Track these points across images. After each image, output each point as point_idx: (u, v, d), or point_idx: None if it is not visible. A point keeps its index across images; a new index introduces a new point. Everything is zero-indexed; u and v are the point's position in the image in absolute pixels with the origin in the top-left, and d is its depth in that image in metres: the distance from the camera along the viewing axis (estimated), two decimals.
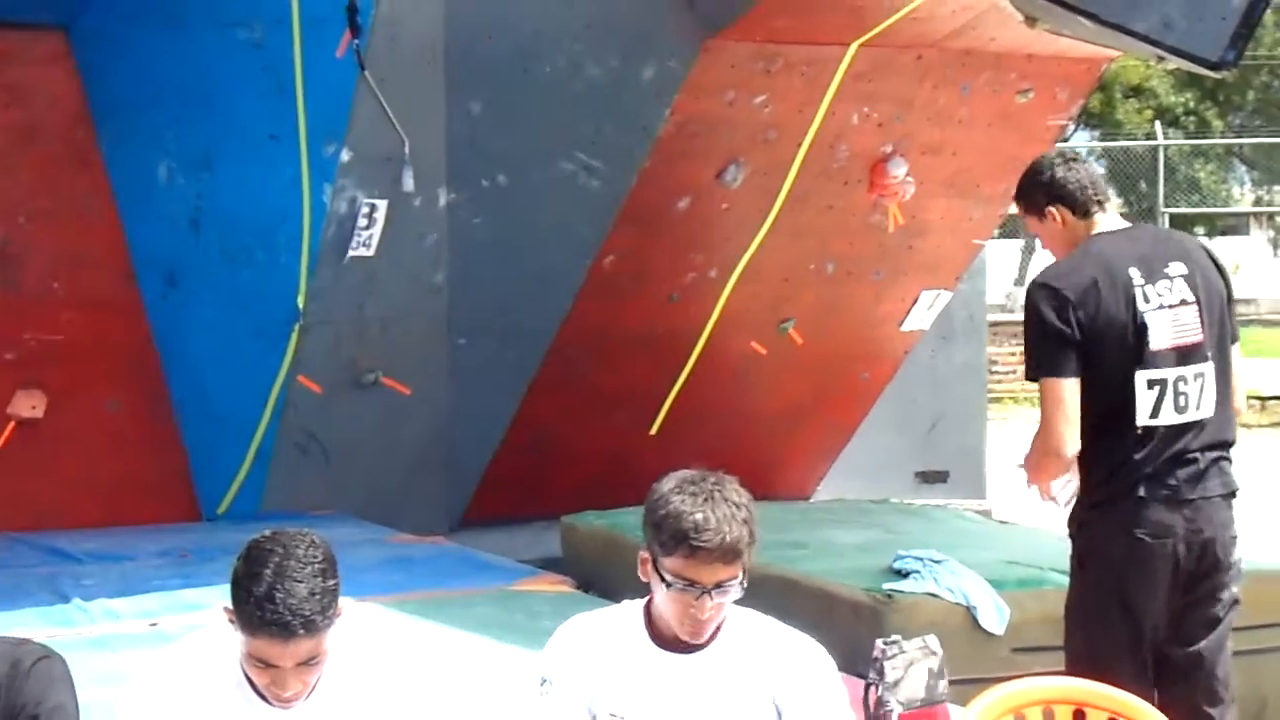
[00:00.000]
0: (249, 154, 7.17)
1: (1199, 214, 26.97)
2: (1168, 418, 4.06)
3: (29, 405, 7.31)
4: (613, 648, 3.01)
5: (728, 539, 2.86)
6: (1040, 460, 4.15)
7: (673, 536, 2.87)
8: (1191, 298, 4.15)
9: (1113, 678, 3.65)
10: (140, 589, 5.93)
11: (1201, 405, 4.12)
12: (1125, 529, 4.06)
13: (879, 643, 4.38)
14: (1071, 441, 4.07)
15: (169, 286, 7.52)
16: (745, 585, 2.95)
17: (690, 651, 2.99)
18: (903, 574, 5.64)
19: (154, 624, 5.51)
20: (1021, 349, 4.35)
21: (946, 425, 9.96)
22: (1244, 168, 30.93)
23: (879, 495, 8.69)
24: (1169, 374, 4.07)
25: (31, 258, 7.31)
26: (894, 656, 4.34)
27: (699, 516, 2.86)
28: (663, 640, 3.01)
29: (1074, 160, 4.30)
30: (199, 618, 5.25)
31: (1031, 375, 4.17)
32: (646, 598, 3.05)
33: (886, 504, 8.23)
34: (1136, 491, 4.05)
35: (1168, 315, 4.11)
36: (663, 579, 2.91)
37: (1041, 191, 4.27)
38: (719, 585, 2.89)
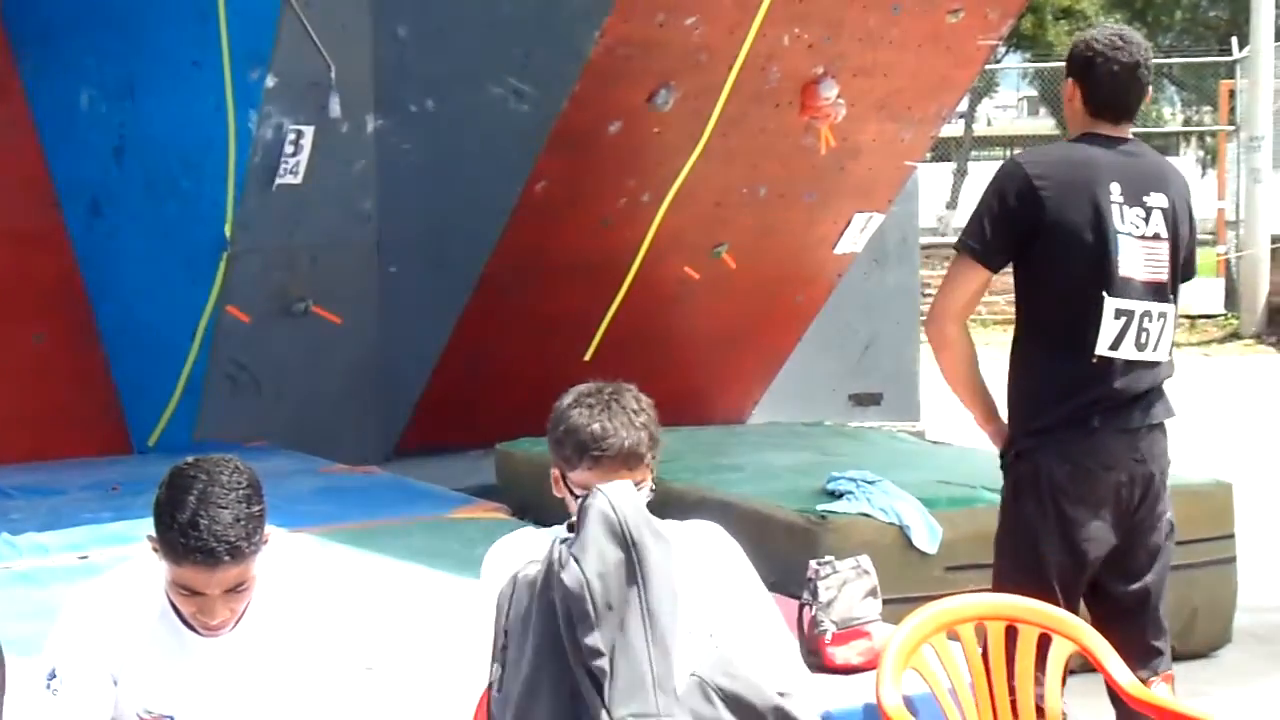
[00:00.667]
0: (172, 81, 7.06)
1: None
2: (1127, 352, 3.88)
3: None
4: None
5: (626, 444, 2.92)
6: (927, 330, 4.06)
7: (574, 449, 2.95)
8: (1166, 234, 3.97)
9: None
10: (69, 522, 5.87)
11: (1159, 347, 3.94)
12: (1071, 458, 3.88)
13: (812, 563, 4.42)
14: (945, 320, 3.97)
15: (94, 216, 7.41)
16: (654, 489, 3.00)
17: None
18: (836, 495, 5.67)
19: (84, 557, 5.46)
20: None
21: (880, 348, 10.00)
22: (1173, 88, 31.08)
23: (813, 418, 8.73)
24: (1137, 306, 3.88)
25: None
26: (827, 576, 4.38)
27: (595, 427, 2.93)
28: None
29: (1130, 64, 3.98)
30: (129, 550, 5.20)
31: (958, 243, 4.01)
32: (569, 520, 3.04)
33: (821, 426, 8.28)
34: (1090, 421, 3.87)
35: (1139, 245, 3.92)
36: (572, 493, 2.97)
37: (1077, 61, 4.01)
38: None
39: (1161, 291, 3.96)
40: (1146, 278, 3.93)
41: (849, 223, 8.76)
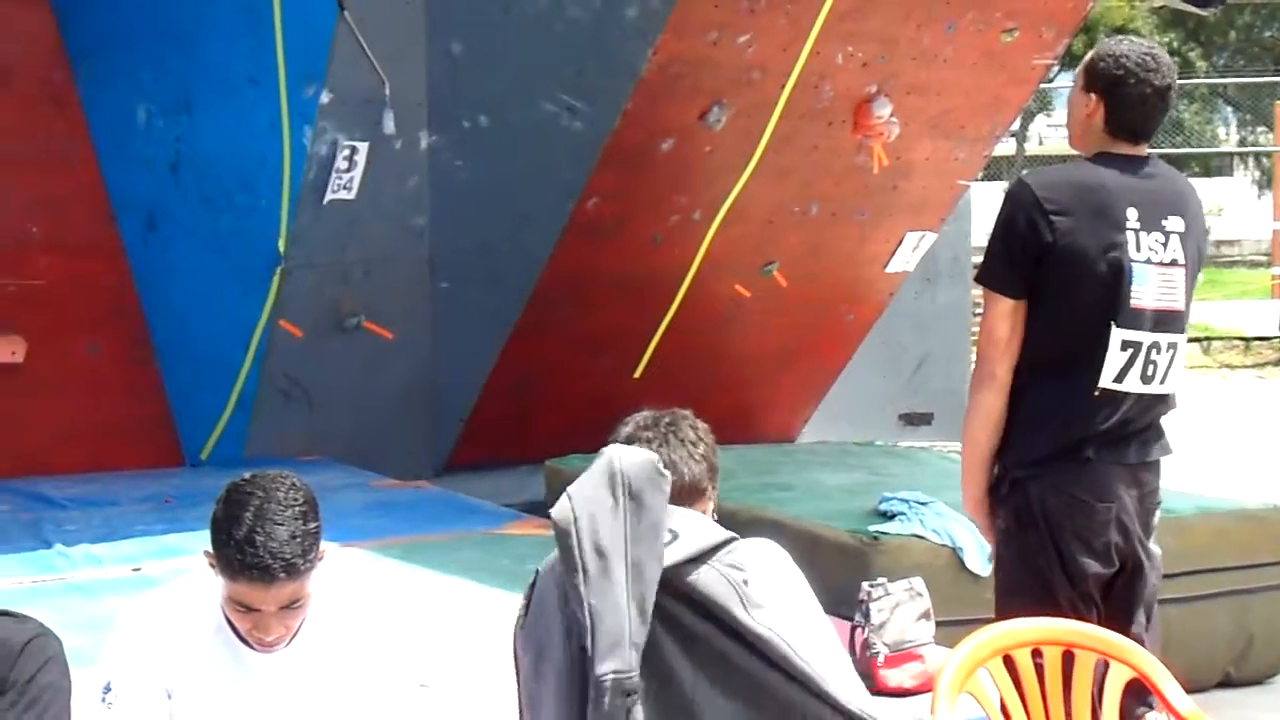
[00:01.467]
0: (228, 96, 7.11)
1: (1183, 154, 26.95)
2: (1132, 385, 3.70)
3: (9, 351, 7.25)
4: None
5: (687, 479, 2.87)
6: (975, 371, 3.86)
7: None
8: (1183, 260, 3.77)
9: None
10: (123, 534, 5.91)
11: (1166, 380, 3.77)
12: (1064, 490, 3.73)
13: (864, 585, 4.40)
14: (996, 361, 3.77)
15: (149, 230, 7.46)
16: (716, 519, 2.96)
17: None
18: (888, 516, 5.63)
19: (137, 569, 5.50)
20: None
21: (931, 367, 9.96)
22: (1229, 108, 30.89)
23: (863, 437, 8.70)
24: (1145, 338, 3.70)
25: (9, 202, 7.24)
26: (879, 599, 4.36)
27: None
28: None
29: (1161, 87, 3.78)
30: (182, 563, 5.23)
31: (978, 277, 3.85)
32: None
33: (872, 446, 8.24)
34: (1083, 452, 3.71)
35: (1156, 273, 3.72)
36: None
37: (1102, 77, 3.78)
38: None
39: (1173, 321, 3.78)
40: (1159, 306, 3.74)
41: (901, 241, 8.73)
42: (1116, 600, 3.81)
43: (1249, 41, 30.46)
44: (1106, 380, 3.70)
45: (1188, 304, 3.83)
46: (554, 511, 2.65)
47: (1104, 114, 3.81)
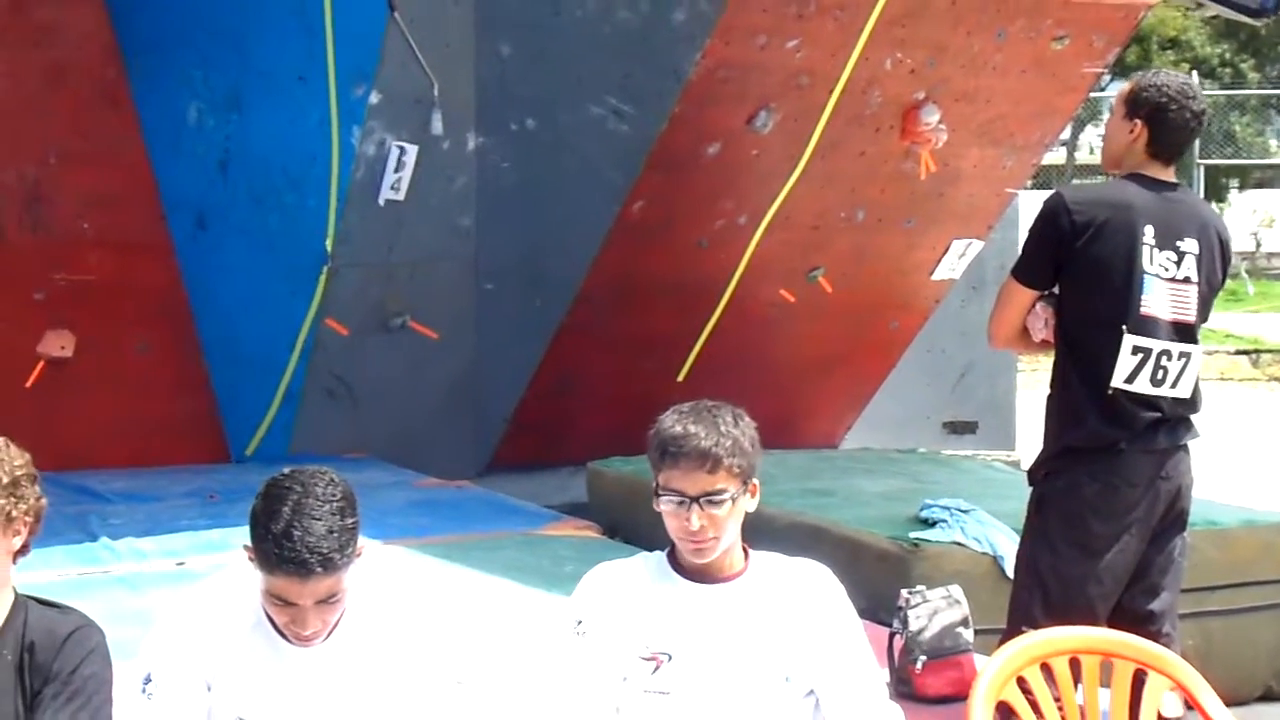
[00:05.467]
0: (278, 95, 7.15)
1: (1234, 165, 26.75)
2: (1141, 387, 4.03)
3: (58, 345, 7.32)
4: (642, 588, 3.06)
5: (702, 444, 2.94)
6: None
7: (657, 450, 2.99)
8: (1196, 278, 4.12)
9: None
10: (167, 529, 5.96)
11: (1179, 385, 4.08)
12: (1098, 476, 4.03)
13: (903, 592, 4.40)
14: (996, 337, 4.29)
15: (198, 228, 7.52)
16: (745, 500, 3.00)
17: (717, 582, 3.03)
18: (929, 523, 5.63)
19: (181, 563, 5.55)
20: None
21: (975, 376, 9.92)
22: None
23: (907, 445, 8.67)
24: (1156, 345, 4.03)
25: (62, 198, 7.31)
26: (917, 605, 4.35)
27: (678, 429, 2.97)
28: (688, 574, 3.05)
29: (1198, 113, 4.17)
30: (226, 558, 5.26)
31: (1012, 271, 4.26)
32: (669, 545, 3.07)
33: (914, 453, 8.22)
34: (1118, 444, 4.03)
35: (1167, 287, 4.07)
36: (658, 495, 3.00)
37: (1146, 104, 4.14)
38: (706, 496, 2.94)
39: (1187, 332, 4.11)
40: (1172, 318, 4.08)
41: (947, 249, 8.70)
42: (1137, 578, 4.09)
43: None
44: (1118, 381, 4.03)
45: (1200, 319, 4.16)
46: None
47: (1146, 138, 4.16)
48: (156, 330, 7.55)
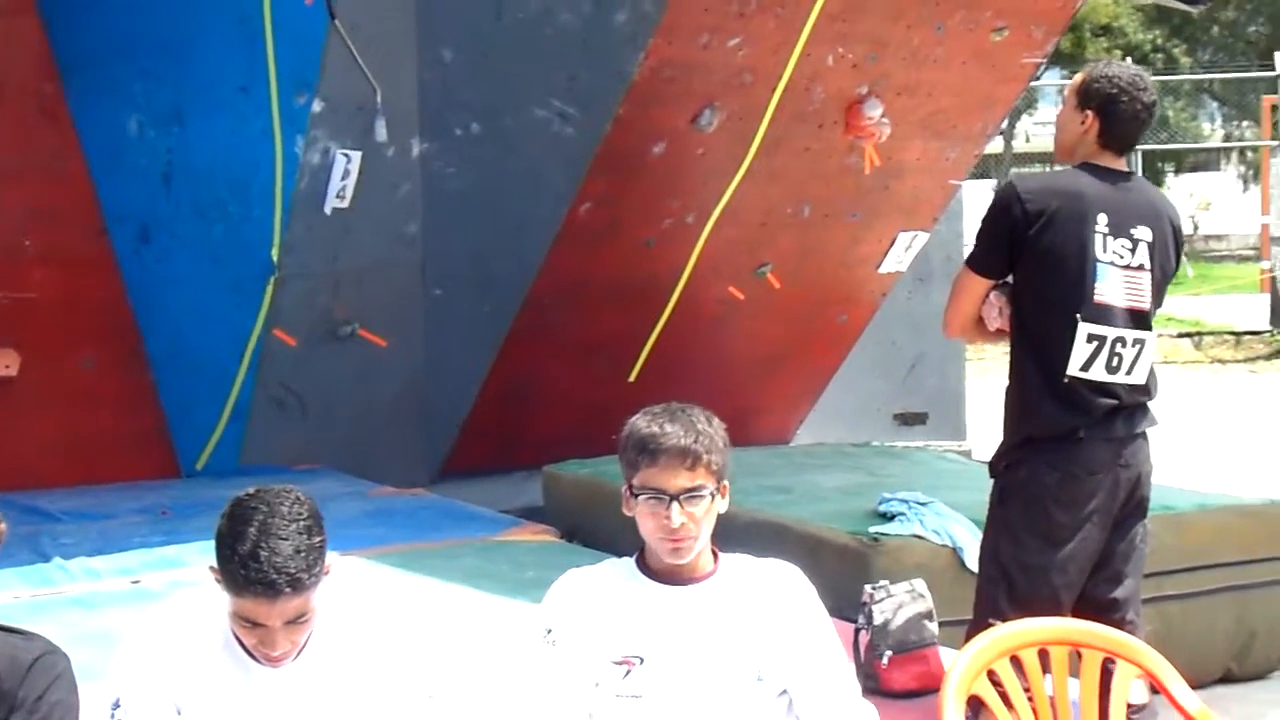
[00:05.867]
0: (219, 106, 7.10)
1: (1169, 150, 27.02)
2: (1097, 374, 4.06)
3: (2, 364, 7.25)
4: (611, 593, 3.06)
5: (683, 441, 2.97)
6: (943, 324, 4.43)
7: (634, 449, 3.00)
8: (1149, 265, 4.15)
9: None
10: (121, 546, 5.89)
11: (1134, 372, 4.11)
12: (1058, 465, 4.06)
13: (867, 588, 4.40)
14: (951, 326, 4.32)
15: (142, 242, 7.45)
16: (719, 500, 3.02)
17: (687, 584, 3.04)
18: (888, 517, 5.64)
19: (136, 581, 5.48)
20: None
21: (925, 367, 9.96)
22: (1214, 104, 30.95)
23: (858, 438, 8.70)
24: (1110, 332, 4.06)
25: (1, 215, 7.22)
26: (882, 600, 4.36)
27: (655, 428, 3.00)
28: (658, 577, 3.06)
29: (1149, 104, 4.19)
30: (181, 575, 5.22)
31: (966, 261, 4.29)
32: (637, 551, 3.07)
33: (868, 447, 8.24)
34: (1077, 432, 4.05)
35: (1120, 274, 4.10)
36: (635, 495, 3.00)
37: (1097, 96, 4.17)
38: (686, 493, 2.96)
39: (1141, 319, 4.14)
40: (1126, 305, 4.11)
41: (893, 242, 8.73)
42: (1099, 566, 4.11)
43: (1233, 37, 30.53)
44: (1073, 369, 4.05)
45: (1154, 306, 4.20)
46: None
47: (1098, 129, 4.18)
48: (102, 346, 7.48)
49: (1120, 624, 3.99)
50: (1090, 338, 4.05)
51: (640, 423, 3.02)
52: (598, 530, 6.25)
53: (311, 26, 6.79)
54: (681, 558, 3.01)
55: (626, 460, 3.03)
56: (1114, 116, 4.15)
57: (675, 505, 2.95)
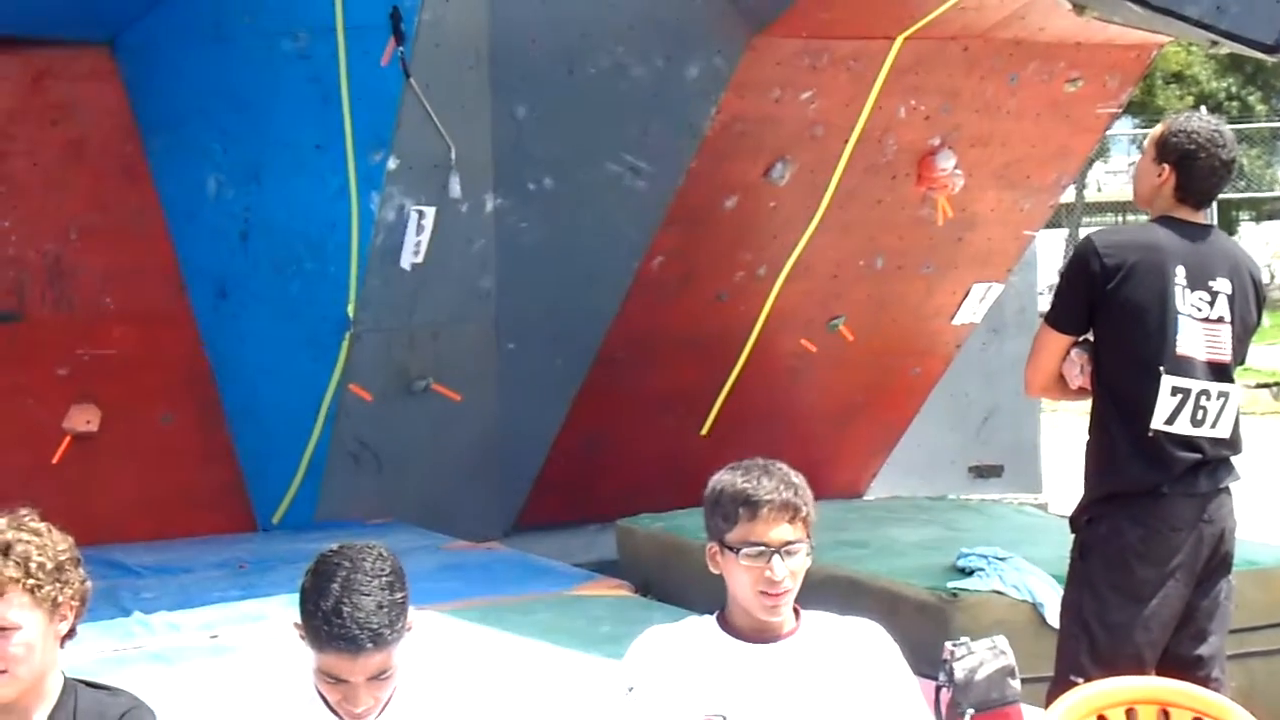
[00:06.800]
0: (296, 165, 7.16)
1: (1244, 199, 26.74)
2: (1182, 427, 4.05)
3: (84, 420, 7.33)
4: (695, 650, 3.05)
5: (783, 494, 2.98)
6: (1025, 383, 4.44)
7: (733, 503, 3.00)
8: (1229, 318, 4.16)
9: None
10: (200, 601, 5.92)
11: (1219, 425, 4.10)
12: (1142, 521, 4.05)
13: (947, 644, 4.34)
14: (1032, 385, 4.33)
15: (220, 298, 7.53)
16: (811, 555, 3.03)
17: (770, 642, 3.03)
18: (967, 572, 5.59)
19: (214, 636, 5.50)
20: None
21: (999, 419, 9.89)
22: None
23: (933, 491, 8.63)
24: (1195, 385, 4.06)
25: (83, 273, 7.33)
26: (963, 658, 4.29)
27: (753, 482, 3.00)
28: (743, 636, 3.04)
29: (1227, 161, 4.21)
30: (259, 629, 5.24)
31: (1044, 317, 4.31)
32: (718, 610, 3.05)
33: (944, 500, 8.18)
34: (1160, 488, 4.04)
35: (1201, 327, 4.11)
36: (733, 550, 2.99)
37: (1175, 150, 4.19)
38: (786, 546, 2.96)
39: (1223, 372, 4.15)
40: (1207, 358, 4.12)
41: (967, 293, 8.70)
42: (1184, 623, 4.10)
43: None
44: (1158, 422, 4.06)
45: (1236, 359, 4.21)
46: None
47: (1174, 182, 4.20)
48: (180, 401, 7.56)
49: (1205, 682, 3.94)
50: (1175, 390, 4.04)
51: (731, 477, 3.02)
52: (672, 584, 6.23)
53: (386, 85, 6.86)
54: (778, 614, 3.00)
55: (721, 514, 3.01)
56: (1190, 171, 4.17)
57: (777, 558, 2.95)
